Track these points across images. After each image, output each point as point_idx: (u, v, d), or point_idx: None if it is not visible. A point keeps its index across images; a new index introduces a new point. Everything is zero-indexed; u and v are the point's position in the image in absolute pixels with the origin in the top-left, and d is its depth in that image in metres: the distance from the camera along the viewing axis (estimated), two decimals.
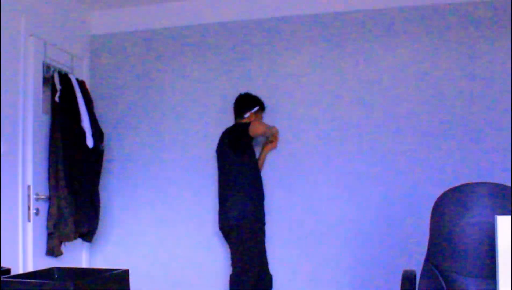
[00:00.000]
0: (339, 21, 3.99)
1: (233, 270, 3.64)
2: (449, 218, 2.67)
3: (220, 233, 3.81)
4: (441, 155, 3.74)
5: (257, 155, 3.97)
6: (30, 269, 3.42)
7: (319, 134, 3.95)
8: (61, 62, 3.95)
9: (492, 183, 2.68)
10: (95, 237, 3.99)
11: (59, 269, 2.44)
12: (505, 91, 3.67)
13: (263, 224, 3.82)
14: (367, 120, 3.88)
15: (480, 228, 2.56)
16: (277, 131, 3.91)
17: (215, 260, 4.01)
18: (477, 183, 2.72)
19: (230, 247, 3.71)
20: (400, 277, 2.63)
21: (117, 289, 2.21)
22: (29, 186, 3.53)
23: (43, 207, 3.64)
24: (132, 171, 4.27)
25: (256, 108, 3.88)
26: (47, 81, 3.79)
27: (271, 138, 3.95)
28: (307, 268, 3.90)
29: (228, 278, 3.67)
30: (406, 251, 3.64)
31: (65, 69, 3.96)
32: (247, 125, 3.69)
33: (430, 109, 3.80)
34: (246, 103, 3.89)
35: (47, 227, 3.64)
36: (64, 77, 3.83)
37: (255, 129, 3.67)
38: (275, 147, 4.00)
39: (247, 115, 3.85)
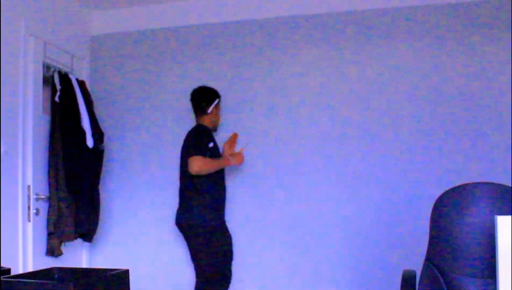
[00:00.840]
0: (339, 21, 3.99)
1: (198, 280, 3.59)
2: (449, 218, 2.67)
3: None
4: (441, 155, 3.74)
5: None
6: (30, 269, 3.42)
7: (319, 134, 3.95)
8: (61, 62, 3.95)
9: (492, 183, 2.68)
10: (95, 237, 3.99)
11: (59, 269, 2.44)
12: (505, 91, 3.67)
13: (224, 227, 3.75)
14: (367, 120, 3.88)
15: (480, 228, 2.56)
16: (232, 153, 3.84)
17: None
18: (477, 183, 2.72)
19: (190, 249, 3.65)
20: (400, 277, 2.63)
21: (117, 289, 2.20)
22: (29, 186, 3.53)
23: (43, 207, 3.64)
24: (132, 171, 4.27)
25: (217, 100, 3.79)
26: (47, 81, 3.79)
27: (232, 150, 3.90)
28: (307, 268, 3.90)
29: None
30: (406, 251, 3.64)
31: (65, 69, 3.96)
32: (194, 150, 3.51)
33: (430, 109, 3.80)
34: (206, 97, 3.76)
35: (47, 227, 3.64)
36: (64, 77, 3.83)
37: (194, 168, 3.45)
38: (240, 163, 3.83)
39: (210, 110, 3.75)
